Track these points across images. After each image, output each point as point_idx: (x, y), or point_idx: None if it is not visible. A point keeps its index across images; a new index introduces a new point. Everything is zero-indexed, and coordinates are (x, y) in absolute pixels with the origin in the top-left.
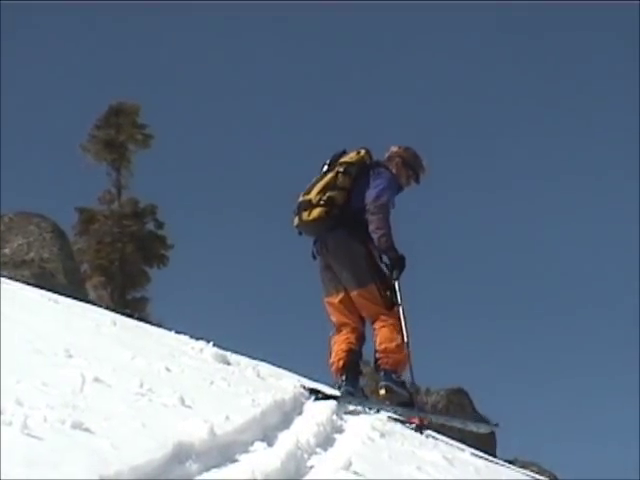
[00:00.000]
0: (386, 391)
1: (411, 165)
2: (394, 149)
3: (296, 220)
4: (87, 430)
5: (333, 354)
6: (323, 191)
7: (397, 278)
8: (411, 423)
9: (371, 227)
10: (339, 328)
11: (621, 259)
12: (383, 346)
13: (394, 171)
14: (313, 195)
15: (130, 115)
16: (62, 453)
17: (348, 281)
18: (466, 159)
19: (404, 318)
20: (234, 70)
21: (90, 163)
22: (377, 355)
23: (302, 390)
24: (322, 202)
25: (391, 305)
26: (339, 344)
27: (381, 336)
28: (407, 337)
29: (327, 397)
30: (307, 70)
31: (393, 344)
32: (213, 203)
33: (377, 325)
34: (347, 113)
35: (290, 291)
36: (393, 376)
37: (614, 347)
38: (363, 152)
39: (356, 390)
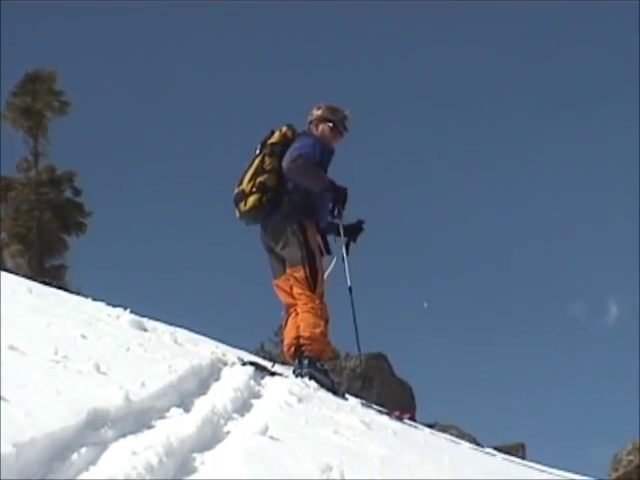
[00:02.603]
0: (309, 379)
1: (329, 119)
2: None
3: (237, 213)
4: (1, 398)
5: (285, 340)
6: (253, 178)
7: (339, 213)
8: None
9: (304, 185)
10: (287, 309)
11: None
12: (307, 333)
13: (316, 133)
14: (245, 184)
15: (47, 82)
16: None
17: (286, 262)
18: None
19: (348, 263)
20: (151, 30)
21: (7, 130)
22: (301, 341)
23: (220, 356)
24: (254, 189)
25: (314, 286)
26: (289, 330)
27: (305, 322)
28: (350, 282)
29: (272, 373)
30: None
31: (317, 330)
32: (130, 170)
33: (299, 309)
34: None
35: (207, 257)
36: (317, 364)
37: (533, 307)
38: (285, 129)
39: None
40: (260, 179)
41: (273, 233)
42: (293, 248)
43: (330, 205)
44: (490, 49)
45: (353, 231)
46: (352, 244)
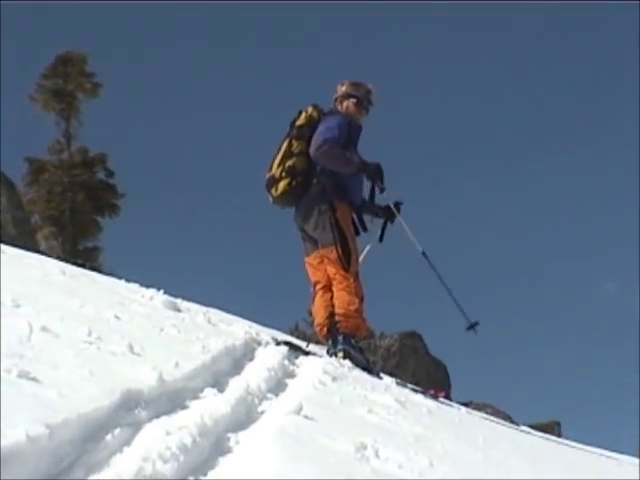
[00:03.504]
0: (344, 355)
1: (353, 94)
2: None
3: (269, 198)
4: (34, 379)
5: (316, 319)
6: (282, 162)
7: (382, 189)
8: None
9: (334, 170)
10: (315, 286)
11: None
12: (343, 310)
13: (342, 110)
14: (275, 169)
15: (78, 64)
16: (8, 403)
17: (318, 243)
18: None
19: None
20: (180, 13)
21: (38, 113)
22: (337, 318)
23: (254, 336)
24: (284, 174)
25: (348, 266)
26: (318, 310)
27: (340, 299)
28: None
29: (307, 352)
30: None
31: (352, 308)
32: (163, 150)
33: (334, 287)
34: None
35: (240, 237)
36: (352, 341)
37: (566, 286)
38: (310, 109)
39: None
40: (289, 163)
41: (304, 215)
42: (324, 230)
43: (370, 184)
44: (490, 52)
45: (390, 212)
46: (389, 225)
